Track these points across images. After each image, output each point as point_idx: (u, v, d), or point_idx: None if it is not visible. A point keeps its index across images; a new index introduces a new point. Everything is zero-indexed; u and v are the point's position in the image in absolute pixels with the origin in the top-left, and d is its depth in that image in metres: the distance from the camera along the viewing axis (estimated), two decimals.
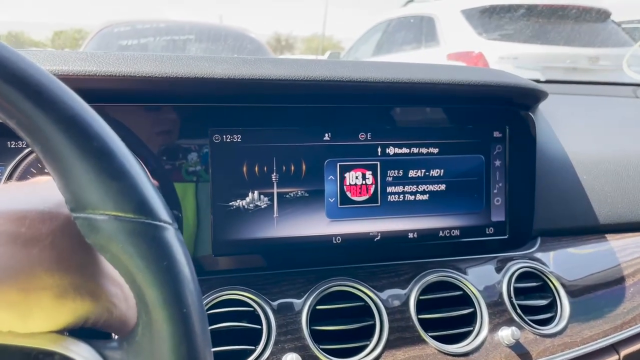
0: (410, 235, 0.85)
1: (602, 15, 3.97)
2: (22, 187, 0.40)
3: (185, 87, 0.69)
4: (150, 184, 0.37)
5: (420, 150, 0.84)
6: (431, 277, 0.80)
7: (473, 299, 0.80)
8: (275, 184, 0.80)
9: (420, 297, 0.78)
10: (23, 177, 0.73)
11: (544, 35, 3.81)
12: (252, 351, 0.70)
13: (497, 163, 0.88)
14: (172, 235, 0.36)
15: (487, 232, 0.88)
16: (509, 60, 3.62)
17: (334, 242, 0.82)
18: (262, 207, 0.80)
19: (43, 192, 0.38)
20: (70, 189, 0.34)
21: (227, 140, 0.78)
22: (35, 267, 0.33)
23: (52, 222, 0.35)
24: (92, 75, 0.63)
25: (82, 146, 0.34)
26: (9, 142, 0.73)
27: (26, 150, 0.73)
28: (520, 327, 0.78)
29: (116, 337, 0.40)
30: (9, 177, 0.72)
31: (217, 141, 0.77)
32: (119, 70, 0.64)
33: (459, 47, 4.06)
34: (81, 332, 0.39)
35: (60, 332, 0.38)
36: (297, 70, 0.71)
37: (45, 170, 0.71)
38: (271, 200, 0.80)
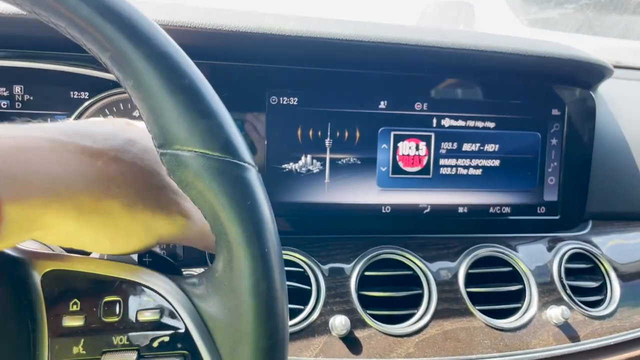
0: (461, 209, 0.84)
1: None
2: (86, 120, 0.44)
3: (251, 43, 0.69)
4: (235, 125, 0.37)
5: (476, 123, 0.83)
6: (481, 252, 0.80)
7: (522, 276, 0.79)
8: (328, 149, 0.80)
9: (470, 271, 0.78)
10: None
11: (589, 25, 3.69)
12: (301, 310, 0.70)
13: (554, 142, 0.86)
14: (254, 176, 0.37)
15: (539, 212, 0.87)
16: None
17: (383, 211, 0.82)
18: (314, 171, 0.80)
19: (104, 122, 0.41)
20: (159, 125, 0.35)
21: (284, 102, 0.78)
22: (102, 176, 0.35)
23: (114, 140, 0.38)
24: (164, 25, 0.63)
25: (173, 82, 0.34)
26: (72, 93, 0.74)
27: (87, 102, 0.74)
28: (569, 308, 0.77)
29: (196, 273, 0.40)
30: None
31: (274, 103, 0.77)
32: (191, 21, 0.65)
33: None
34: (162, 268, 0.40)
35: (142, 256, 0.41)
36: (367, 31, 0.70)
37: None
38: (323, 165, 0.80)
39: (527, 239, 0.85)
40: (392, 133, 0.81)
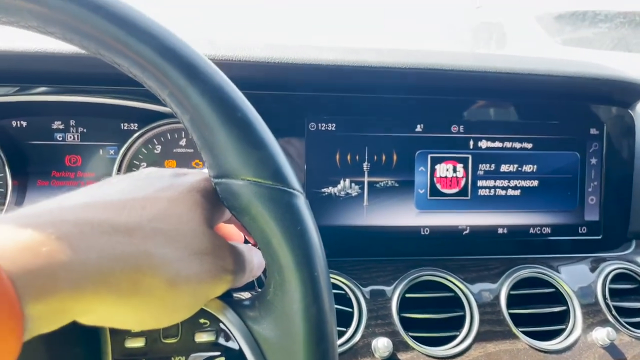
0: (500, 230, 0.84)
1: None
2: (125, 178, 0.40)
3: (292, 74, 0.72)
4: (283, 155, 0.39)
5: (514, 144, 0.83)
6: (523, 273, 0.79)
7: (566, 297, 0.78)
8: (366, 172, 0.81)
9: (511, 292, 0.77)
10: (134, 156, 0.78)
11: (625, 43, 3.64)
12: (343, 333, 0.71)
13: (593, 161, 0.85)
14: (303, 202, 0.39)
15: (580, 232, 0.86)
16: None
17: (422, 233, 0.83)
18: (353, 195, 0.81)
19: (142, 181, 0.39)
20: (214, 156, 0.37)
21: (322, 128, 0.80)
22: (140, 254, 0.32)
23: (152, 207, 0.35)
24: (210, 59, 0.67)
25: (227, 116, 0.36)
26: (122, 124, 0.78)
27: (137, 133, 0.78)
28: (615, 329, 0.75)
29: (249, 295, 0.42)
30: (122, 158, 0.77)
31: (312, 129, 0.80)
32: (237, 55, 0.68)
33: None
34: None
35: None
36: (403, 59, 0.72)
37: (156, 151, 0.76)
38: (362, 188, 0.81)
39: (569, 260, 0.84)
40: (429, 155, 0.82)
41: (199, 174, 0.41)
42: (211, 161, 0.38)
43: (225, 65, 0.71)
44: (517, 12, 4.55)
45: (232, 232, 0.49)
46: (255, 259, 0.43)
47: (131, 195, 0.36)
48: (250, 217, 0.37)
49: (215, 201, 0.39)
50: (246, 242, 0.48)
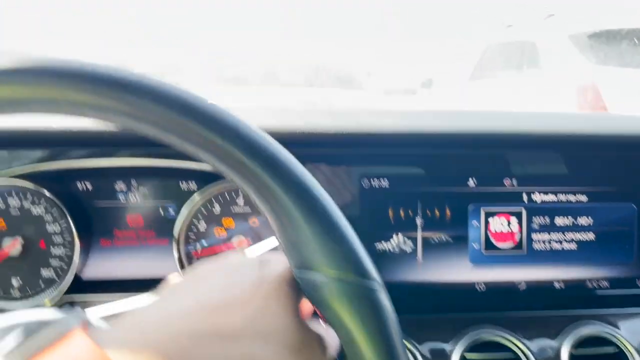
0: (557, 285, 0.83)
1: None
2: (214, 271, 0.42)
3: (351, 141, 0.73)
4: (363, 247, 0.40)
5: (568, 197, 0.83)
6: (584, 330, 0.78)
7: (628, 356, 0.76)
8: (419, 228, 0.82)
9: (572, 352, 0.76)
10: (194, 215, 0.79)
11: None
12: None
13: None
14: (384, 296, 0.39)
15: (638, 285, 0.85)
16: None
17: (477, 288, 0.82)
18: (407, 250, 0.82)
19: (232, 275, 0.41)
20: (297, 250, 0.38)
21: (375, 185, 0.81)
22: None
23: (250, 307, 0.37)
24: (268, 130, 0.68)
25: (308, 210, 0.37)
26: (180, 182, 0.81)
27: (195, 194, 0.80)
28: None
29: None
30: (182, 217, 0.79)
31: (366, 187, 0.81)
32: (299, 127, 0.70)
33: (566, 73, 3.91)
34: None
35: None
36: (457, 123, 0.73)
37: (215, 211, 0.77)
38: (415, 244, 0.82)
39: (629, 316, 0.82)
40: (483, 210, 0.82)
41: (281, 263, 0.42)
42: (293, 254, 0.39)
43: (284, 136, 0.73)
44: (549, 31, 4.51)
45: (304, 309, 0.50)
46: (332, 341, 0.44)
47: (228, 293, 0.38)
48: (333, 312, 0.38)
49: (299, 290, 0.40)
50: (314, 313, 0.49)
